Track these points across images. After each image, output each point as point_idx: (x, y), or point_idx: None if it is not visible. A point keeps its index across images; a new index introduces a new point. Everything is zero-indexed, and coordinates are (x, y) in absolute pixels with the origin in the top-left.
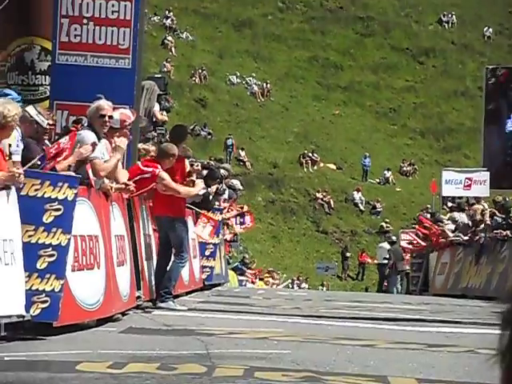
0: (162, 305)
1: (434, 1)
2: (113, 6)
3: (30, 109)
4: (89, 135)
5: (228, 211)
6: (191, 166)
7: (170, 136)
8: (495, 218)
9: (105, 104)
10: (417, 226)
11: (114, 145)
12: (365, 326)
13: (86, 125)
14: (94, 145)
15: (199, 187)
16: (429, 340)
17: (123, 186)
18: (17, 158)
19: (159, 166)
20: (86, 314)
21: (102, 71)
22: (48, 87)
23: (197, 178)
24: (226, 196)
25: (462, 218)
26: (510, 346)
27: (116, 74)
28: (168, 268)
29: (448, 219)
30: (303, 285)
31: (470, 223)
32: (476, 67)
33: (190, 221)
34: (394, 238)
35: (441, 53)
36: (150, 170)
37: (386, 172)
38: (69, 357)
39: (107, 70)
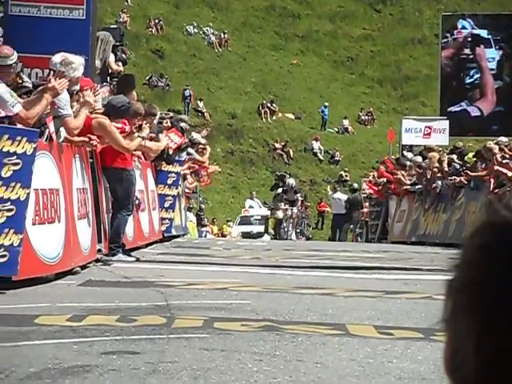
0: (113, 258)
1: None
2: None
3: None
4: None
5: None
6: (160, 123)
7: (117, 86)
8: (453, 164)
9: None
10: (381, 168)
11: (81, 100)
12: (324, 275)
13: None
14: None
15: (165, 141)
16: (387, 287)
17: (87, 139)
18: None
19: (127, 123)
20: (47, 267)
21: (56, 22)
22: (1, 39)
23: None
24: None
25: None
26: (453, 313)
27: (70, 25)
28: (114, 222)
29: (410, 162)
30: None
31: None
32: (433, 14)
33: (146, 172)
34: (355, 185)
35: (398, 0)
36: (119, 126)
37: (344, 121)
38: (27, 310)
39: (61, 21)
